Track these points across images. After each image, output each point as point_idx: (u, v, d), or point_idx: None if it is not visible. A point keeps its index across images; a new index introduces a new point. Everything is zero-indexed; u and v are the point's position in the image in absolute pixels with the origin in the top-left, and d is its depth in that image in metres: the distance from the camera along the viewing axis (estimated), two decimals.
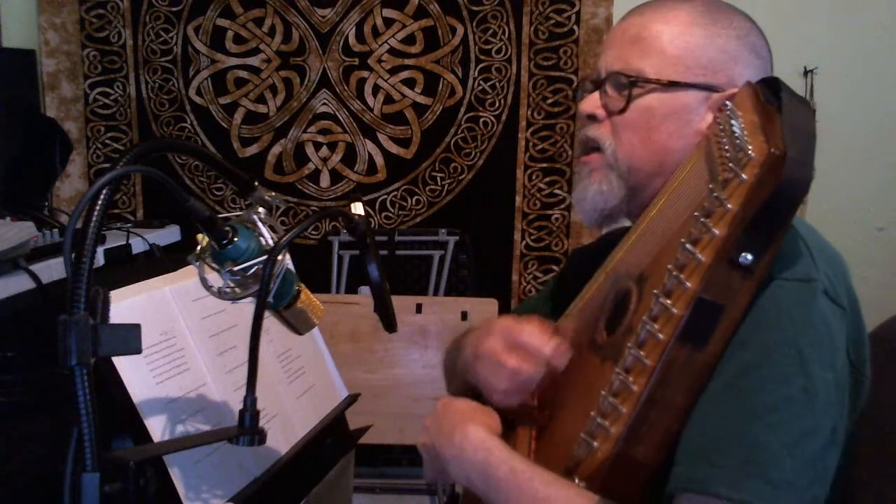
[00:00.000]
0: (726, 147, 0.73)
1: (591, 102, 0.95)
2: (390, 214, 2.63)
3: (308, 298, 0.87)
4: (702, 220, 0.69)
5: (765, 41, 0.93)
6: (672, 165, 0.89)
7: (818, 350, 0.72)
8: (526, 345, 0.88)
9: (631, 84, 0.90)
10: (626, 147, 0.92)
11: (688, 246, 0.70)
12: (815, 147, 0.68)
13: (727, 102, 0.78)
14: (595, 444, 0.72)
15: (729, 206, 0.68)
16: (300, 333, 0.89)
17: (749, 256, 0.68)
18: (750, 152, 0.69)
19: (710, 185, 0.72)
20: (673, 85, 0.89)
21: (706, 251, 0.69)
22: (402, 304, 2.24)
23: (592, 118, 0.95)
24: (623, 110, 0.91)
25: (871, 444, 0.81)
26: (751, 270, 0.69)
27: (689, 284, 0.69)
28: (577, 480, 0.73)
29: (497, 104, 2.54)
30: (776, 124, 0.71)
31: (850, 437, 0.78)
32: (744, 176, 0.68)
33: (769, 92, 0.79)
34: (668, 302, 0.70)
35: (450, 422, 0.86)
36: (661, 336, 0.70)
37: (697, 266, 0.69)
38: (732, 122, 0.74)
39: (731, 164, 0.70)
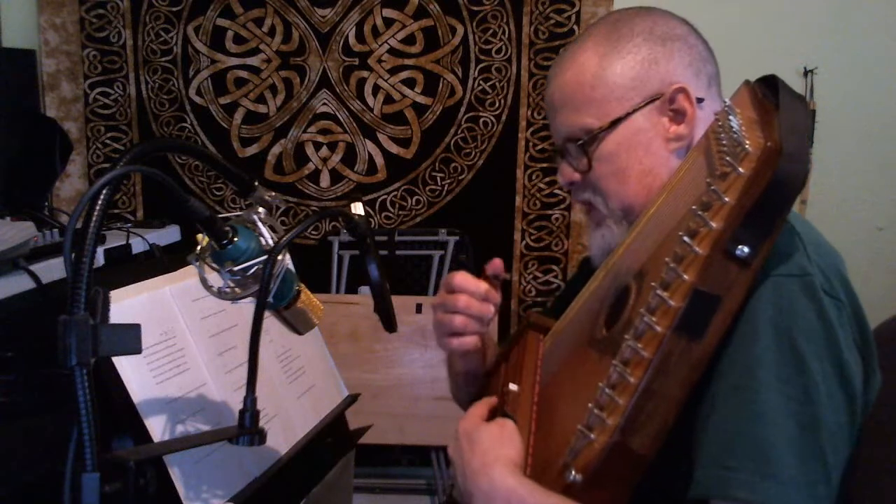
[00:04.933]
0: (724, 142, 0.74)
1: (565, 173, 1.00)
2: (390, 214, 2.63)
3: (308, 298, 0.87)
4: (699, 213, 0.70)
5: (673, 18, 0.95)
6: (658, 180, 0.92)
7: (815, 345, 0.73)
8: (462, 287, 1.03)
9: (583, 144, 0.94)
10: (611, 194, 0.95)
11: (685, 239, 0.70)
12: (810, 143, 0.69)
13: (726, 100, 0.80)
14: (592, 435, 0.73)
15: (726, 199, 0.69)
16: (300, 333, 0.89)
17: (745, 249, 0.69)
18: (747, 146, 0.70)
19: (708, 180, 0.73)
20: (617, 122, 0.92)
21: (703, 243, 0.70)
22: (402, 304, 2.24)
23: (573, 184, 0.99)
24: (590, 168, 0.95)
25: (872, 444, 0.81)
26: (747, 263, 0.70)
27: (686, 277, 0.70)
28: (573, 473, 0.73)
29: (497, 104, 2.54)
30: (773, 120, 0.72)
31: (860, 429, 0.79)
32: (741, 170, 0.69)
33: (767, 89, 0.79)
34: (666, 294, 0.70)
35: (474, 465, 0.84)
36: (658, 328, 0.70)
37: (695, 258, 0.70)
38: (731, 118, 0.75)
39: (728, 158, 0.71)
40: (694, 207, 0.71)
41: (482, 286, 1.03)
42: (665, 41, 0.92)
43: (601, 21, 0.98)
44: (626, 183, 0.94)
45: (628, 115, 0.92)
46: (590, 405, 0.74)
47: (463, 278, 1.04)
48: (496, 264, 1.06)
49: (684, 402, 0.72)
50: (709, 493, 0.71)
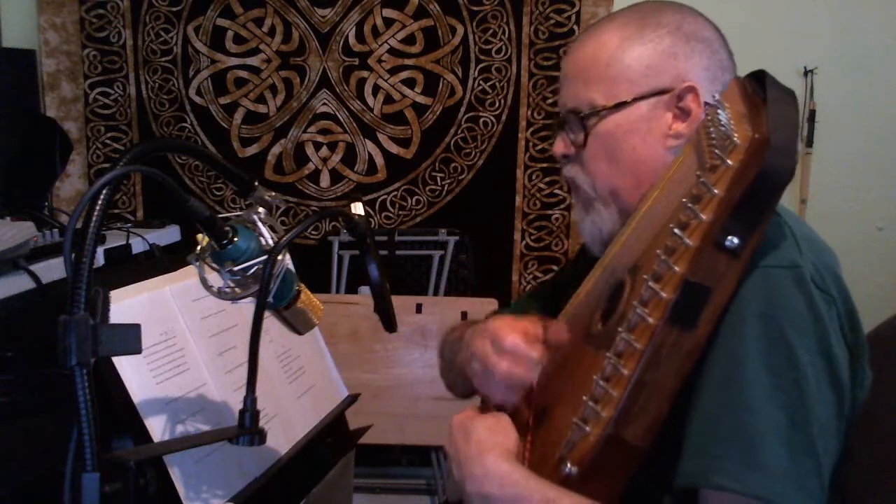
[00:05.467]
0: (713, 136, 0.75)
1: (560, 144, 0.99)
2: (390, 214, 2.63)
3: (308, 298, 0.87)
4: (689, 205, 0.71)
5: (705, 21, 0.95)
6: (649, 172, 0.92)
7: (805, 338, 0.73)
8: (513, 351, 0.88)
9: (584, 117, 0.94)
10: (600, 175, 0.95)
11: (676, 231, 0.71)
12: (798, 135, 0.71)
13: (714, 94, 0.80)
14: (587, 428, 0.74)
15: (715, 191, 0.70)
16: (300, 333, 0.89)
17: (735, 240, 0.70)
18: (735, 139, 0.71)
19: (698, 172, 0.74)
20: (622, 104, 0.92)
21: (693, 235, 0.70)
22: (402, 304, 2.23)
23: (566, 158, 0.99)
24: (585, 144, 0.94)
25: (872, 444, 0.81)
26: (737, 254, 0.71)
27: (677, 268, 0.71)
28: (569, 465, 0.73)
29: (497, 104, 2.54)
30: (761, 114, 0.73)
31: (850, 425, 0.79)
32: (729, 162, 0.70)
33: (756, 84, 0.80)
34: (658, 286, 0.71)
35: (468, 453, 0.85)
36: (650, 319, 0.71)
37: (685, 250, 0.71)
38: (719, 112, 0.76)
39: (717, 151, 0.72)
40: (684, 200, 0.72)
41: (535, 353, 0.88)
42: (690, 39, 0.92)
43: (634, 5, 0.98)
44: (616, 166, 0.93)
45: (635, 100, 0.92)
46: (585, 398, 0.75)
47: (514, 343, 0.88)
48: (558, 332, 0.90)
49: (678, 392, 0.73)
50: (693, 482, 0.72)
